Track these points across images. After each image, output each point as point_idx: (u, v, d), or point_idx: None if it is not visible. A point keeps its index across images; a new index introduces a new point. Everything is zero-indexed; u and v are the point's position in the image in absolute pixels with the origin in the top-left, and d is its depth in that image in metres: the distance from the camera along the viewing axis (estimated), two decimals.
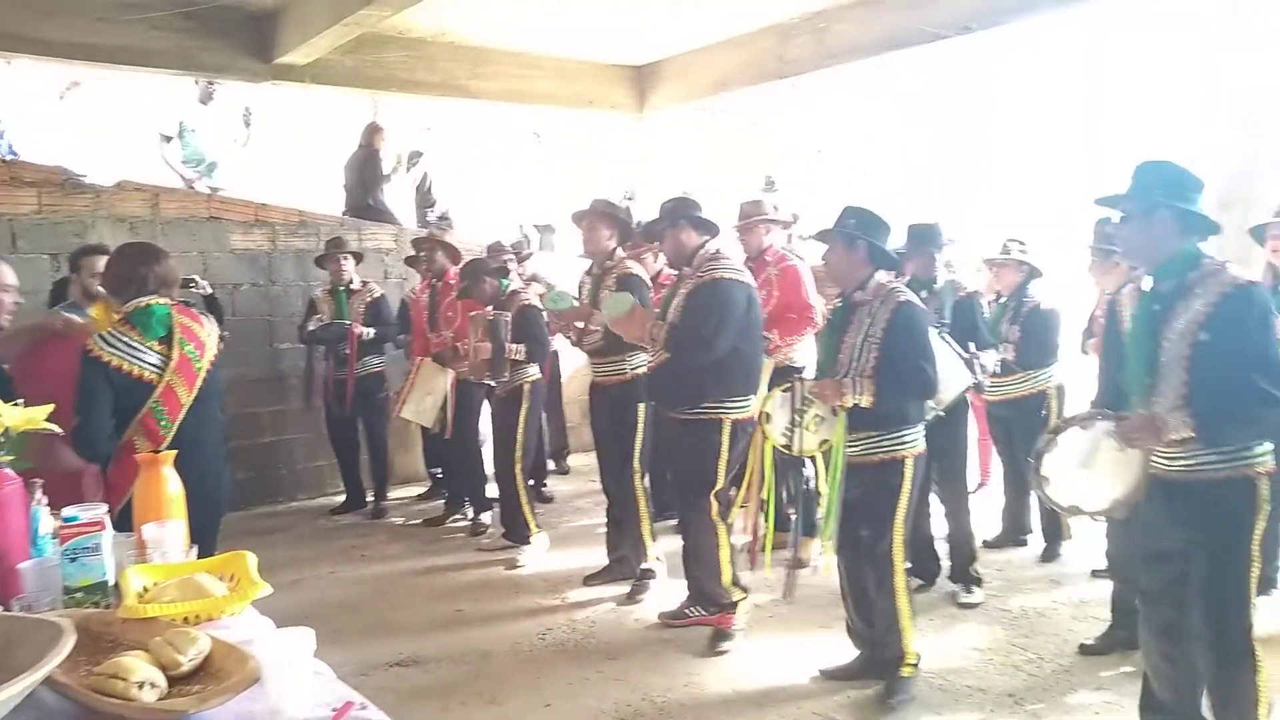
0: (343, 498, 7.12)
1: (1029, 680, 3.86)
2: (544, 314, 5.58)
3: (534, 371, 5.66)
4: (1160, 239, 2.74)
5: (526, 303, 5.70)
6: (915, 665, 3.69)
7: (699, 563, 4.33)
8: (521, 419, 5.60)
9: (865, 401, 3.44)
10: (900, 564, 3.59)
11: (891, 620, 3.64)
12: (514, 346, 5.46)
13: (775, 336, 5.16)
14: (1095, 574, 4.91)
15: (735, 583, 4.33)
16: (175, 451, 2.38)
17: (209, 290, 6.13)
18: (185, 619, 1.77)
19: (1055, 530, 5.35)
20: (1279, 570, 4.47)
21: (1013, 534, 5.63)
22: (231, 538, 3.86)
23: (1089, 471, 2.79)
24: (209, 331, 3.43)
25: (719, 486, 4.22)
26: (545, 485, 7.33)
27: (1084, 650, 4.05)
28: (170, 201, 6.96)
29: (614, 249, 4.95)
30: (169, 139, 8.11)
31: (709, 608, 4.38)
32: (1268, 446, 2.70)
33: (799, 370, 5.02)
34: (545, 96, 9.08)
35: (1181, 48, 7.35)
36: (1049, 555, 5.34)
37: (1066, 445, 2.82)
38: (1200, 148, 5.55)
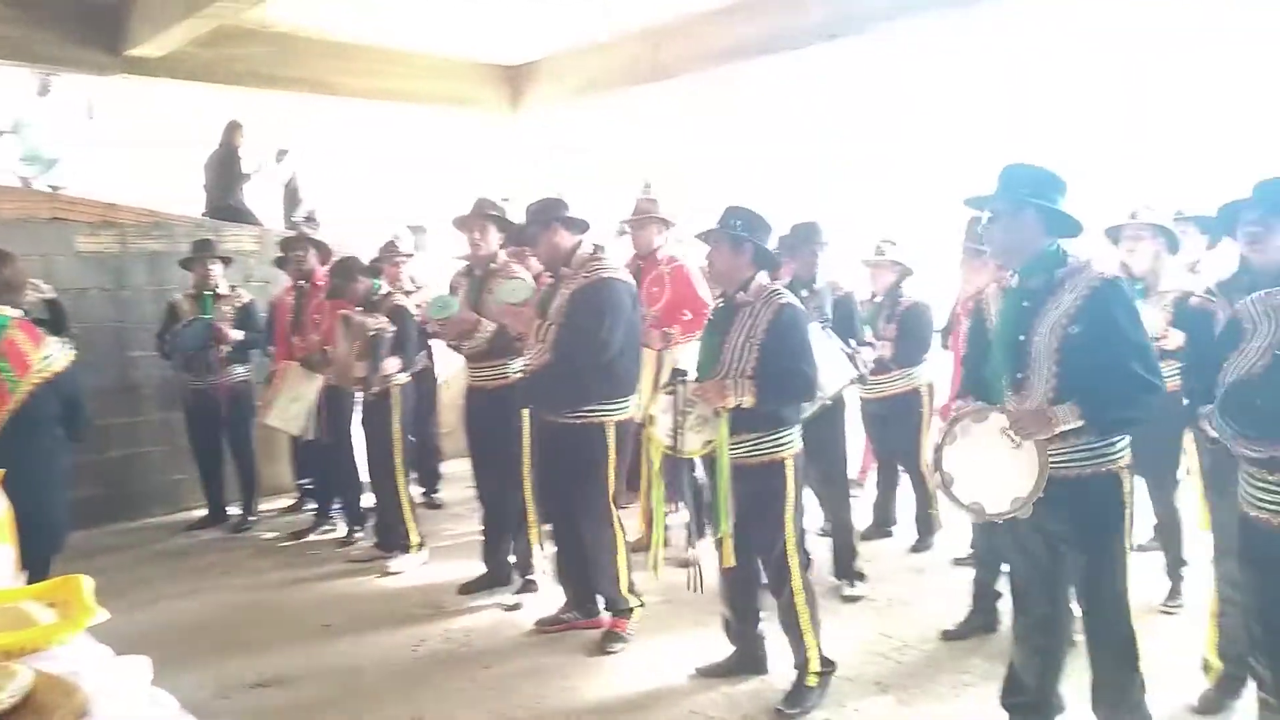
0: (204, 512, 6.79)
1: (896, 668, 3.97)
2: (416, 316, 5.46)
3: (401, 375, 5.54)
4: (1027, 237, 2.84)
5: (398, 304, 5.56)
6: (822, 675, 3.62)
7: (591, 569, 4.29)
8: (395, 422, 5.46)
9: (747, 402, 3.45)
10: (797, 566, 3.58)
11: (793, 624, 3.61)
12: (390, 362, 5.33)
13: (676, 333, 5.21)
14: (957, 562, 5.11)
15: (631, 589, 4.32)
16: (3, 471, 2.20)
17: (51, 294, 5.73)
18: (6, 652, 1.63)
19: (926, 521, 5.54)
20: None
21: (881, 526, 5.81)
22: (77, 559, 3.62)
23: (988, 468, 2.82)
24: (44, 353, 3.20)
25: (611, 489, 4.20)
26: (437, 491, 7.17)
27: (946, 636, 4.20)
28: (7, 201, 6.50)
29: (496, 251, 4.89)
30: (1, 134, 7.58)
31: (591, 611, 4.36)
32: (1127, 441, 2.83)
33: (684, 371, 5.05)
34: (416, 95, 8.89)
35: (1043, 52, 7.75)
36: (920, 546, 5.51)
37: (964, 441, 2.85)
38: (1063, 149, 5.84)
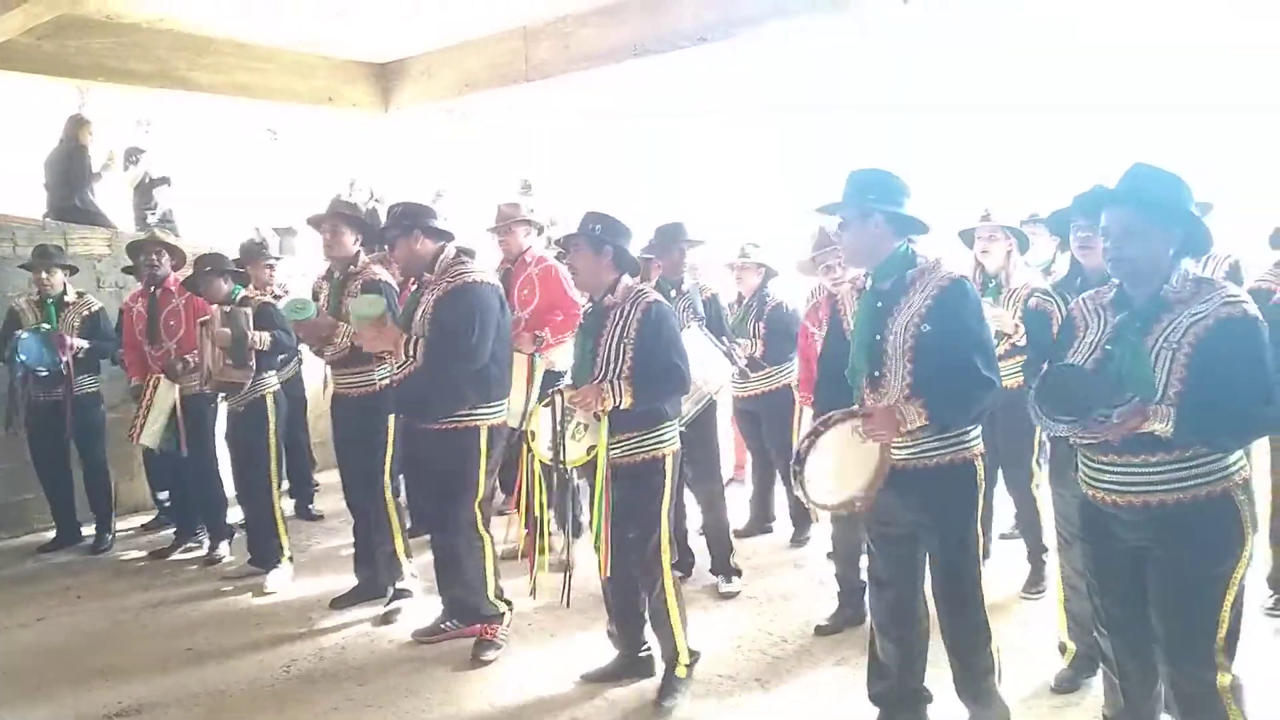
0: (53, 533, 6.37)
1: (774, 664, 4.05)
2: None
3: (273, 381, 5.33)
4: (877, 241, 2.96)
5: (265, 303, 5.34)
6: (690, 665, 3.70)
7: (461, 576, 4.21)
8: (270, 432, 5.25)
9: (625, 403, 3.46)
10: (668, 562, 3.63)
11: (663, 619, 3.65)
12: (258, 335, 5.08)
13: (548, 335, 5.16)
14: (830, 555, 5.24)
15: (499, 595, 4.27)
16: None
17: None
18: None
19: (803, 517, 5.66)
20: (992, 542, 4.99)
21: (760, 522, 5.92)
22: None
23: (839, 468, 2.92)
24: None
25: (481, 495, 4.14)
26: (313, 503, 6.93)
27: (819, 631, 4.30)
28: None
29: (357, 253, 4.73)
30: None
31: (469, 620, 4.28)
32: (978, 430, 2.97)
33: (560, 375, 5.02)
34: (279, 92, 8.53)
35: (915, 55, 8.03)
36: (797, 540, 5.63)
37: (824, 445, 2.93)
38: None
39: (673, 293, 4.89)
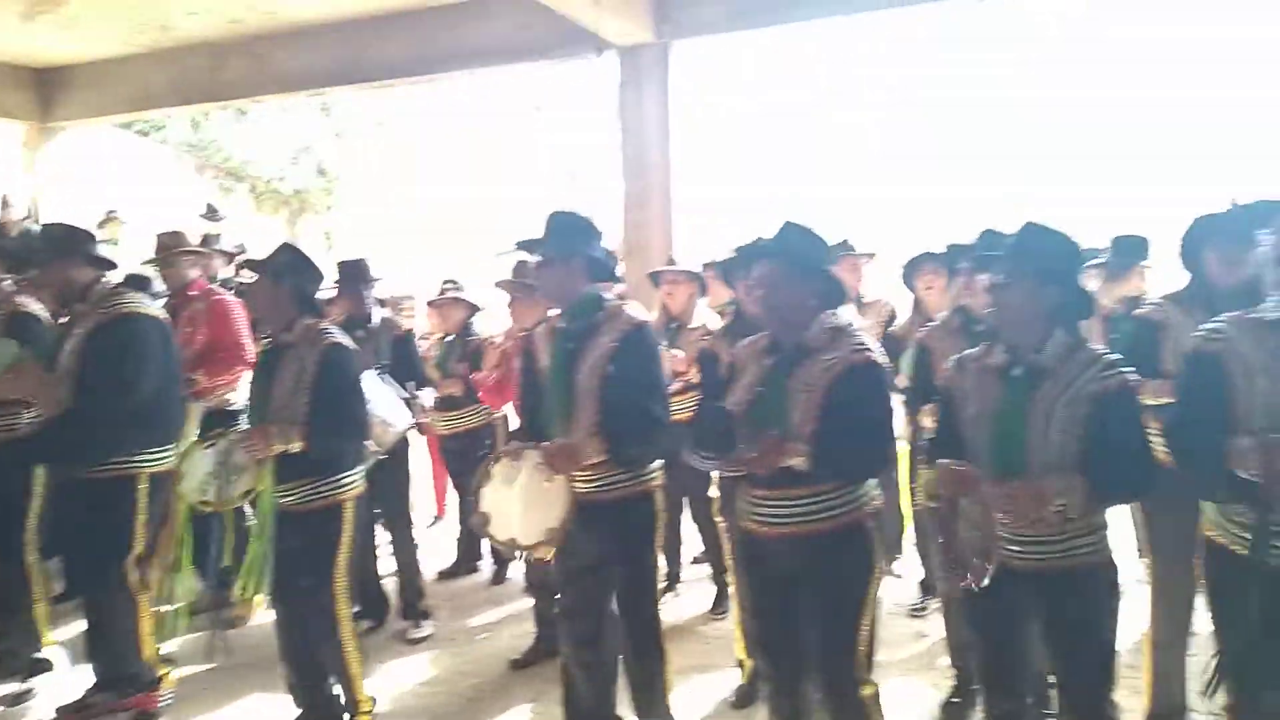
0: None
1: (472, 705, 3.98)
2: None
3: None
4: (574, 282, 3.06)
5: None
6: (370, 712, 3.58)
7: (111, 642, 3.77)
8: None
9: (297, 448, 3.27)
10: (345, 612, 3.46)
11: (341, 670, 3.49)
12: None
13: (202, 378, 4.73)
14: (527, 589, 5.26)
15: (158, 657, 3.88)
16: None
17: None
18: None
19: (506, 554, 5.62)
20: (682, 568, 5.24)
21: (467, 561, 5.82)
22: None
23: (524, 503, 2.94)
24: None
25: (137, 551, 3.73)
26: None
27: (514, 666, 4.29)
28: None
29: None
30: None
31: (124, 690, 3.84)
32: (659, 464, 3.12)
33: (237, 414, 4.66)
34: None
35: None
36: (498, 578, 5.59)
37: (501, 480, 2.95)
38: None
39: (359, 332, 4.67)
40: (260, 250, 5.23)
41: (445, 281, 5.54)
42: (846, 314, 2.82)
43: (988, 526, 2.30)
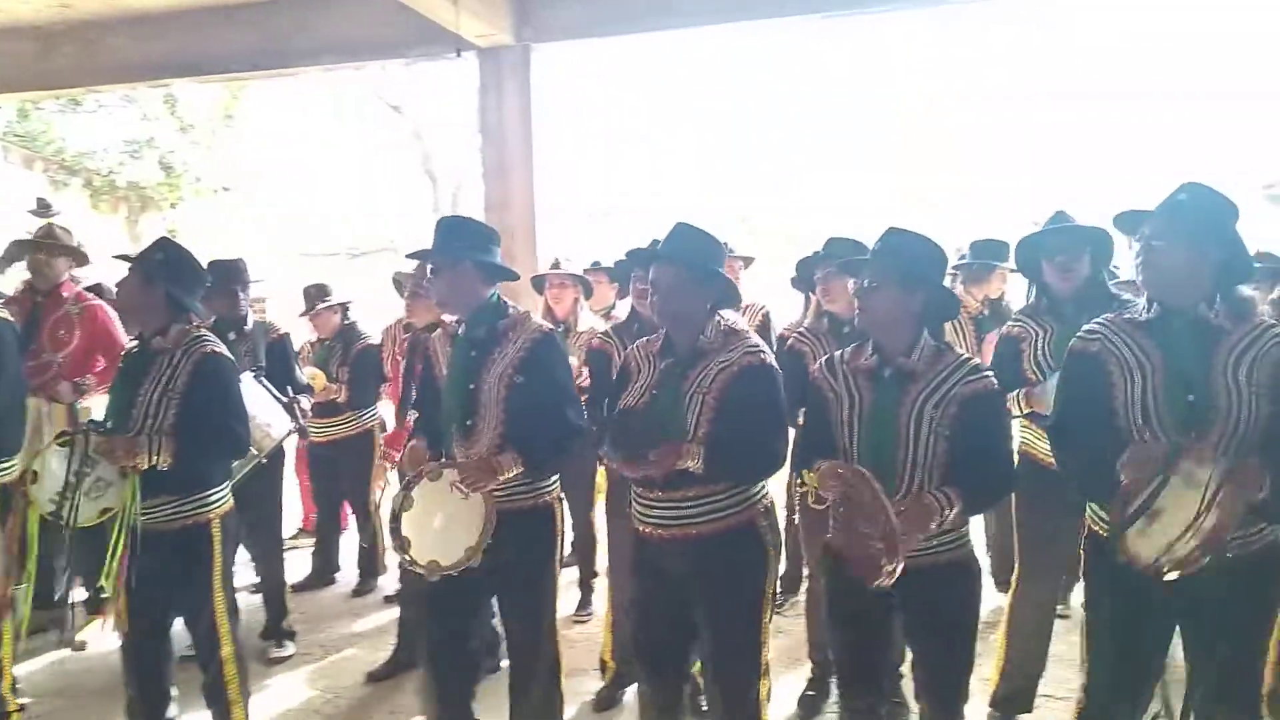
0: None
1: None
2: None
3: None
4: (468, 289, 2.96)
5: None
6: None
7: None
8: None
9: (164, 463, 3.02)
10: (228, 633, 3.25)
11: (220, 695, 3.26)
12: None
13: (90, 382, 4.49)
14: (388, 599, 5.15)
15: (14, 687, 3.62)
16: None
17: None
18: None
19: (370, 565, 5.48)
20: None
21: (324, 574, 5.62)
22: None
23: (443, 523, 2.84)
24: None
25: None
26: None
27: (371, 679, 4.17)
28: None
29: None
30: None
31: None
32: (555, 476, 3.05)
33: (99, 423, 4.37)
34: None
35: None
36: (362, 589, 5.42)
37: (422, 503, 2.84)
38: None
39: (232, 335, 4.44)
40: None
41: (310, 287, 5.34)
42: (732, 316, 2.83)
43: (888, 523, 2.29)
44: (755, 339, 2.77)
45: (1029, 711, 3.49)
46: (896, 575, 2.31)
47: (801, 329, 3.79)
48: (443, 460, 2.97)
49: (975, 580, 2.60)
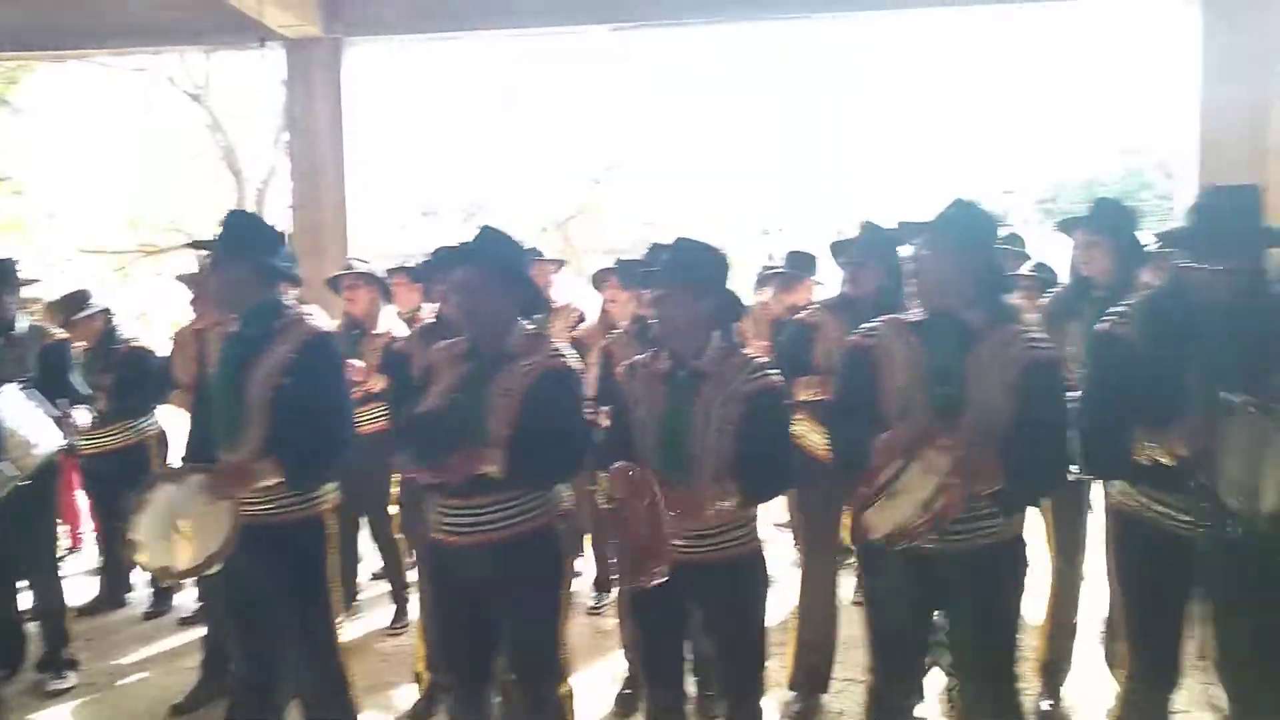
0: None
1: None
2: None
3: None
4: (247, 286, 2.84)
5: None
6: None
7: None
8: None
9: None
10: None
11: None
12: None
13: None
14: (183, 621, 4.85)
15: None
16: None
17: None
18: None
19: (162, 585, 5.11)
20: (358, 587, 5.06)
21: (114, 595, 5.23)
22: None
23: (185, 528, 2.71)
24: None
25: None
26: None
27: (176, 711, 3.88)
28: None
29: None
30: None
31: None
32: (330, 487, 2.95)
33: None
34: None
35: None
36: (156, 610, 5.07)
37: (160, 504, 2.71)
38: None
39: (0, 340, 4.02)
40: None
41: (62, 298, 4.91)
42: (539, 320, 2.84)
43: (659, 526, 2.38)
44: (558, 343, 2.80)
45: (825, 692, 3.68)
46: (663, 577, 2.40)
47: (612, 334, 3.91)
48: (191, 466, 2.86)
49: (763, 574, 2.72)
